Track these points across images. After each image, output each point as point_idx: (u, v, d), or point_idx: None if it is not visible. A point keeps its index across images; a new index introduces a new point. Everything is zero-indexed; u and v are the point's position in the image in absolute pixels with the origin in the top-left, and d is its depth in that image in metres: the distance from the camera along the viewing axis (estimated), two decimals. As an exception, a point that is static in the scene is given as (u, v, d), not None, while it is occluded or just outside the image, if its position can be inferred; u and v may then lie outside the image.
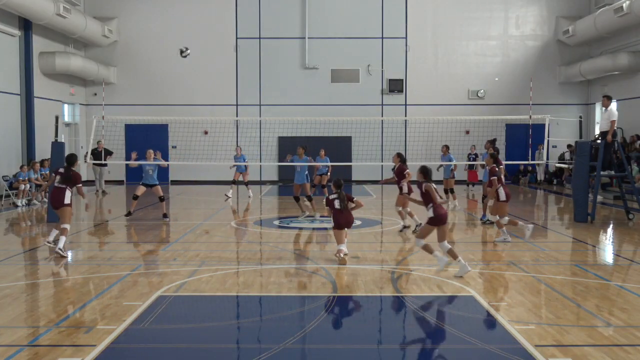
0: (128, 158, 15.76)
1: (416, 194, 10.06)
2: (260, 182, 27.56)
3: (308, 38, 27.73)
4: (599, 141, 15.53)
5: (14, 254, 11.12)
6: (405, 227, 13.43)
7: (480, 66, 28.19)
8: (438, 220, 9.00)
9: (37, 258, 10.99)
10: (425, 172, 9.32)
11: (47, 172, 19.27)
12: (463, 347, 6.06)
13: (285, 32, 27.81)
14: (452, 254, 9.06)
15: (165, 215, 15.37)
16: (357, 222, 14.82)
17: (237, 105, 27.95)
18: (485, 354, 5.86)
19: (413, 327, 6.94)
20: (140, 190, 15.35)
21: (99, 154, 20.30)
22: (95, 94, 27.52)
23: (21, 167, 19.59)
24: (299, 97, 27.51)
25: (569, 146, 26.31)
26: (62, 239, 10.49)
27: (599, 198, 17.81)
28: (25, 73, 22.59)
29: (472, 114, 25.36)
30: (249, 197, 21.08)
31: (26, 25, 22.41)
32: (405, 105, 28.02)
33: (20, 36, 22.34)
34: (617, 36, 24.76)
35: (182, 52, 17.56)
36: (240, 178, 21.07)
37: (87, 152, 20.82)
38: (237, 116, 27.38)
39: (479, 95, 28.03)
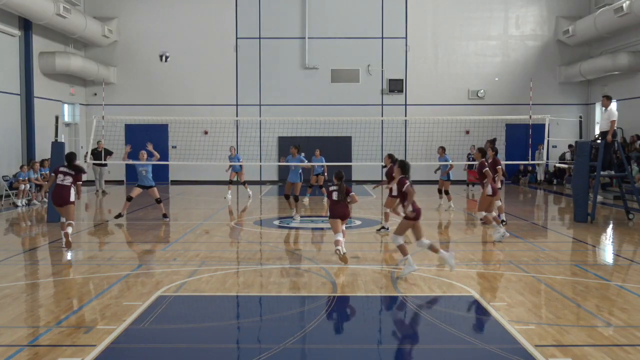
0: (131, 159, 15.70)
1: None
2: (260, 182, 27.57)
3: (308, 38, 27.73)
4: (599, 141, 15.53)
5: (14, 254, 11.12)
6: (384, 228, 13.39)
7: (480, 66, 28.19)
8: (417, 216, 9.00)
9: (37, 258, 10.99)
10: (403, 166, 9.33)
11: (47, 172, 19.28)
12: (463, 347, 6.06)
13: (285, 32, 27.81)
14: (433, 248, 9.07)
15: (165, 216, 15.35)
16: (357, 222, 14.83)
17: (237, 105, 27.95)
18: (485, 354, 5.86)
19: (413, 327, 6.94)
20: (136, 192, 15.21)
21: (99, 154, 20.30)
22: (95, 94, 27.53)
23: (21, 167, 19.59)
24: (299, 97, 27.51)
25: (570, 146, 26.32)
26: (69, 229, 11.07)
27: (599, 198, 17.81)
28: (25, 73, 22.59)
29: (472, 114, 25.36)
30: (249, 196, 21.06)
31: (26, 25, 22.41)
32: (405, 105, 28.02)
33: (20, 36, 22.34)
34: (617, 36, 24.76)
35: (161, 57, 17.55)
36: (236, 178, 21.02)
37: (87, 152, 20.83)
38: (237, 116, 27.38)
39: (479, 95, 28.03)
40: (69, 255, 10.89)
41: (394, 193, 13.07)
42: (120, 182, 27.58)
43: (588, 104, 28.35)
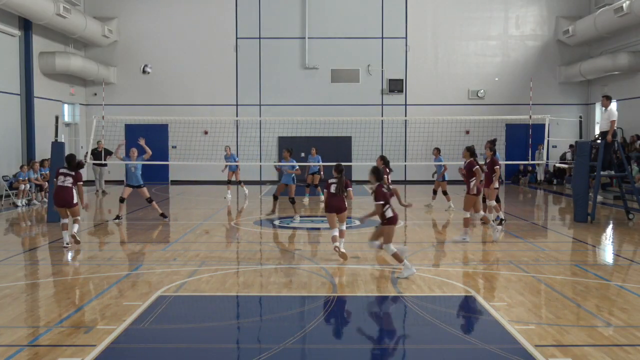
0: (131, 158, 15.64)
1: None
2: (260, 182, 27.56)
3: (308, 38, 27.73)
4: (599, 141, 15.53)
5: (14, 254, 11.12)
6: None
7: (480, 66, 28.19)
8: (395, 220, 9.01)
9: (37, 258, 11.00)
10: (377, 173, 9.33)
11: (47, 172, 19.27)
12: (463, 347, 6.06)
13: (285, 32, 27.81)
14: (397, 257, 8.99)
15: (163, 215, 15.26)
16: (356, 222, 14.83)
17: (237, 105, 27.95)
18: (485, 354, 5.86)
19: (413, 327, 6.94)
20: (126, 192, 15.08)
21: (99, 154, 20.29)
22: (95, 94, 27.52)
23: (21, 167, 19.58)
24: (299, 97, 27.50)
25: (571, 146, 26.30)
26: (76, 226, 11.60)
27: (599, 198, 17.81)
28: (25, 73, 22.58)
29: (472, 114, 25.35)
30: (245, 194, 21.01)
31: (26, 25, 22.41)
32: (405, 105, 28.01)
33: (20, 36, 22.34)
34: (617, 36, 24.76)
35: (143, 70, 17.54)
36: (233, 177, 20.98)
37: (87, 152, 20.82)
38: (237, 116, 27.37)
39: (479, 95, 28.03)
40: (69, 256, 10.90)
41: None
42: (120, 182, 27.54)
43: (588, 104, 28.34)
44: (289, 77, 27.83)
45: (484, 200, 14.88)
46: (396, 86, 27.92)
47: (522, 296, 7.86)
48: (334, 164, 10.88)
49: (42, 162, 20.60)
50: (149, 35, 27.83)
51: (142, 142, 15.47)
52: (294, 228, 14.16)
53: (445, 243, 11.96)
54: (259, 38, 27.83)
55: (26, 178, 19.16)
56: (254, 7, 27.73)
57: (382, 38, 27.91)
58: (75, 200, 11.55)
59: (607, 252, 11.64)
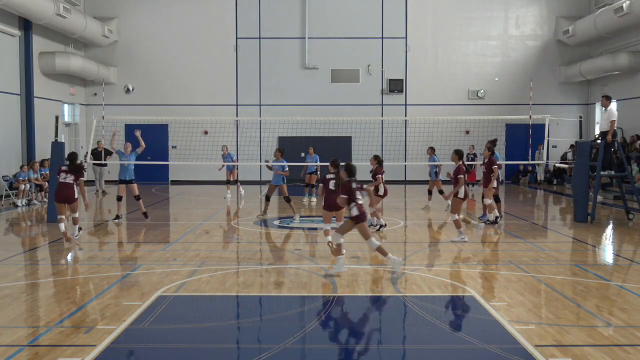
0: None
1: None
2: (260, 182, 27.56)
3: (308, 38, 27.72)
4: (599, 141, 15.53)
5: (14, 254, 11.12)
6: (381, 226, 13.46)
7: (480, 66, 28.18)
8: (362, 217, 9.04)
9: (37, 258, 11.00)
10: (349, 170, 9.36)
11: (47, 172, 19.27)
12: (463, 347, 6.06)
13: (285, 32, 27.81)
14: (381, 250, 9.09)
15: (145, 215, 15.09)
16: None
17: (237, 105, 27.95)
18: (485, 354, 5.86)
19: (413, 327, 6.94)
20: (121, 189, 15.04)
21: (99, 154, 20.29)
22: (95, 94, 27.52)
23: (21, 167, 19.58)
24: (299, 97, 27.50)
25: (571, 146, 26.30)
26: (76, 227, 12.10)
27: (599, 198, 17.81)
28: (25, 73, 22.58)
29: (472, 114, 25.35)
30: (241, 196, 20.93)
31: (26, 25, 22.41)
32: (405, 105, 28.01)
33: (20, 36, 22.34)
34: (617, 36, 24.76)
35: (127, 90, 17.51)
36: (231, 177, 20.93)
37: (87, 152, 20.81)
38: (237, 116, 27.37)
39: (479, 95, 28.03)
40: (69, 256, 10.90)
41: (380, 192, 13.24)
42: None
43: (588, 104, 28.34)
44: (289, 77, 27.83)
45: (481, 199, 14.92)
46: (396, 86, 27.91)
47: (522, 296, 7.86)
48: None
49: (42, 162, 20.59)
50: (149, 35, 27.83)
51: (137, 133, 15.36)
52: (294, 228, 14.15)
53: (445, 243, 11.95)
54: (259, 38, 27.83)
55: (26, 178, 19.16)
56: (254, 7, 27.73)
57: (382, 38, 27.91)
58: (76, 196, 11.91)
59: (607, 252, 11.64)
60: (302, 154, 23.72)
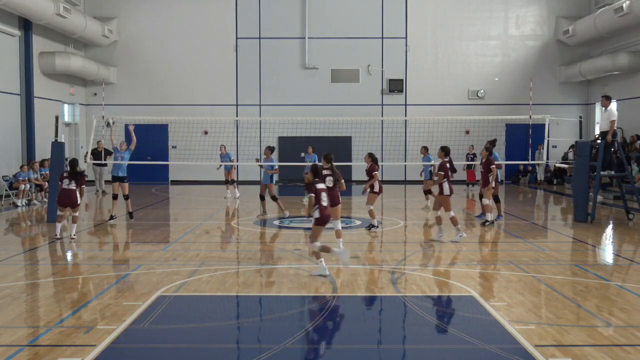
0: (131, 158, 15.61)
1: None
2: (260, 182, 27.52)
3: (308, 38, 27.73)
4: (599, 141, 15.53)
5: (14, 254, 11.12)
6: (373, 226, 13.45)
7: (480, 66, 28.19)
8: (324, 220, 9.05)
9: (37, 258, 11.00)
10: (314, 171, 9.37)
11: (47, 172, 19.26)
12: (463, 347, 6.06)
13: (285, 32, 27.81)
14: (325, 248, 9.03)
15: (130, 215, 15.10)
16: (357, 222, 14.84)
17: (237, 105, 27.95)
18: (485, 354, 5.86)
19: (413, 327, 6.94)
20: (115, 188, 15.07)
21: (99, 154, 20.27)
22: (95, 94, 27.52)
23: (21, 167, 19.58)
24: (299, 97, 27.50)
25: (572, 147, 26.29)
26: (74, 226, 12.50)
27: (599, 198, 17.80)
28: (25, 73, 22.58)
29: (472, 114, 25.36)
30: (236, 196, 20.76)
31: (26, 25, 22.41)
32: (405, 105, 28.01)
33: (20, 36, 22.34)
34: (617, 36, 24.76)
35: (108, 124, 17.62)
36: (229, 177, 20.86)
37: (87, 152, 20.80)
38: (237, 116, 27.37)
39: (479, 95, 28.03)
40: (69, 256, 10.91)
41: (376, 189, 13.25)
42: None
43: (588, 104, 28.34)
44: (289, 77, 27.83)
45: (480, 200, 14.92)
46: (396, 86, 27.92)
47: (522, 296, 7.86)
48: (337, 164, 10.90)
49: (42, 162, 20.59)
50: (149, 35, 27.84)
51: (131, 128, 15.52)
52: (294, 228, 14.15)
53: (445, 243, 11.95)
54: (259, 38, 27.83)
55: (26, 178, 19.16)
56: (254, 7, 27.74)
57: (382, 38, 27.91)
58: (78, 202, 12.49)
59: (607, 252, 11.64)
60: (302, 154, 23.72)
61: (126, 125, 26.14)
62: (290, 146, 26.74)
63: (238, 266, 10.00)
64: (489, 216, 14.30)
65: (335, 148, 25.80)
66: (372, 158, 13.54)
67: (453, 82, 27.98)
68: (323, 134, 24.35)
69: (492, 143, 14.94)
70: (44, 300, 7.87)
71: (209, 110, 27.04)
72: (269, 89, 27.80)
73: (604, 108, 15.51)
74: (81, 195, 12.63)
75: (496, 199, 14.96)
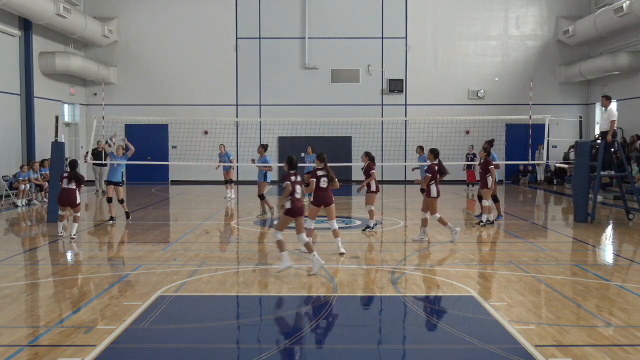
0: (130, 158, 15.63)
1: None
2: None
3: (308, 38, 27.73)
4: (599, 141, 15.53)
5: (14, 254, 11.12)
6: (369, 227, 13.42)
7: (480, 66, 28.19)
8: (295, 212, 9.14)
9: (37, 258, 11.00)
10: (290, 162, 9.42)
11: (47, 172, 19.27)
12: (463, 347, 6.06)
13: (285, 32, 27.81)
14: (308, 247, 9.19)
15: (127, 215, 15.15)
16: (357, 222, 14.84)
17: (237, 105, 27.95)
18: (485, 354, 5.86)
19: (413, 327, 6.94)
20: (110, 191, 15.12)
21: (99, 154, 20.29)
22: (95, 94, 27.52)
23: (21, 167, 19.59)
24: (299, 97, 27.51)
25: (572, 147, 26.28)
26: (75, 226, 12.56)
27: (599, 198, 17.81)
28: (25, 73, 22.58)
29: (472, 114, 25.36)
30: (231, 197, 20.57)
31: (26, 25, 22.41)
32: (405, 105, 28.01)
33: (20, 36, 22.34)
34: (617, 36, 24.76)
35: (108, 143, 17.74)
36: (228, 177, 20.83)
37: (87, 152, 20.81)
38: (237, 116, 27.37)
39: (479, 95, 28.03)
40: (69, 256, 10.91)
41: (373, 189, 13.24)
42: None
43: (588, 104, 28.34)
44: (289, 77, 27.83)
45: (480, 200, 14.92)
46: (396, 86, 27.92)
47: (522, 296, 7.86)
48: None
49: (42, 162, 20.59)
50: (149, 35, 27.84)
51: (125, 141, 15.85)
52: (294, 228, 14.11)
53: (444, 243, 11.95)
54: (259, 38, 27.83)
55: (26, 178, 19.16)
56: (254, 7, 27.74)
57: (382, 38, 27.91)
58: (78, 201, 12.63)
59: (607, 252, 11.64)
60: (302, 154, 23.72)
61: (128, 127, 26.17)
62: (290, 146, 26.72)
63: (238, 266, 10.00)
64: (490, 216, 14.29)
65: (335, 148, 25.89)
66: (369, 157, 13.54)
67: (453, 82, 27.98)
68: (323, 134, 24.35)
69: (490, 143, 14.95)
70: (44, 300, 7.87)
71: (209, 110, 27.05)
72: (269, 89, 27.80)
73: (604, 108, 15.51)
74: (79, 194, 12.74)
75: (495, 199, 14.98)
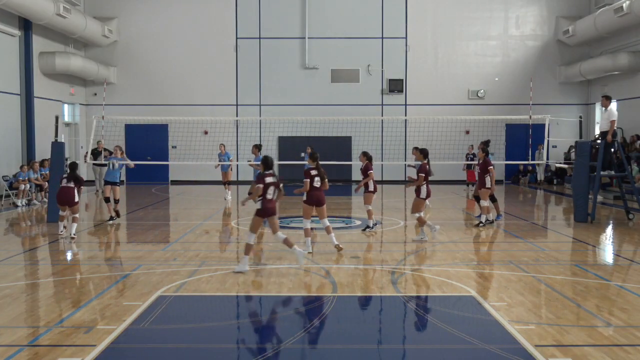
0: (131, 158, 15.67)
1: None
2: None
3: (308, 38, 27.72)
4: (599, 141, 15.53)
5: (14, 254, 11.12)
6: (368, 227, 13.42)
7: (480, 66, 28.18)
8: (265, 212, 9.14)
9: (37, 258, 11.00)
10: (266, 163, 9.44)
11: (47, 172, 19.27)
12: (463, 347, 6.06)
13: (285, 32, 27.81)
14: (287, 243, 9.21)
15: (117, 214, 15.11)
16: (357, 222, 14.84)
17: (237, 105, 27.95)
18: (485, 354, 5.86)
19: (413, 327, 6.94)
20: (107, 190, 15.11)
21: (99, 154, 20.29)
22: (95, 94, 27.53)
23: (21, 167, 19.59)
24: (299, 97, 27.50)
25: (572, 147, 26.27)
26: (74, 226, 12.54)
27: (599, 198, 17.81)
28: (25, 73, 22.58)
29: (472, 114, 25.35)
30: (227, 199, 20.39)
31: (26, 25, 22.40)
32: (405, 105, 28.01)
33: (20, 36, 22.33)
34: (617, 36, 24.76)
35: (113, 166, 17.83)
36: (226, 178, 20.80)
37: (87, 152, 20.80)
38: (237, 116, 27.36)
39: (479, 95, 28.02)
40: (69, 255, 10.91)
41: (371, 189, 13.25)
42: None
43: (588, 104, 28.34)
44: (289, 77, 27.83)
45: (477, 201, 14.92)
46: (396, 86, 27.91)
47: (522, 296, 7.86)
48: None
49: (42, 162, 20.58)
50: (149, 35, 27.84)
51: (124, 157, 16.28)
52: (294, 228, 14.14)
53: (445, 243, 11.95)
54: (259, 38, 27.83)
55: (26, 178, 19.16)
56: (254, 7, 27.74)
57: (382, 38, 27.91)
58: (76, 199, 12.65)
59: (607, 252, 11.64)
60: (302, 154, 23.74)
61: (128, 127, 26.14)
62: (290, 146, 26.75)
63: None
64: (490, 216, 14.29)
65: (335, 148, 25.90)
66: (366, 157, 13.53)
67: (453, 82, 27.98)
68: (323, 134, 24.34)
69: (486, 144, 14.93)
70: (44, 300, 7.87)
71: (209, 110, 27.03)
72: (269, 89, 27.80)
73: (604, 108, 15.51)
74: (78, 195, 12.73)
75: (492, 199, 14.98)
